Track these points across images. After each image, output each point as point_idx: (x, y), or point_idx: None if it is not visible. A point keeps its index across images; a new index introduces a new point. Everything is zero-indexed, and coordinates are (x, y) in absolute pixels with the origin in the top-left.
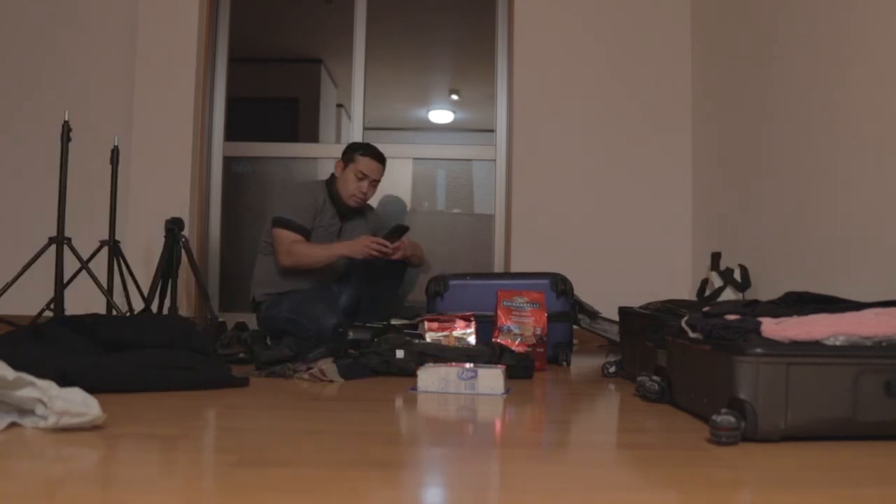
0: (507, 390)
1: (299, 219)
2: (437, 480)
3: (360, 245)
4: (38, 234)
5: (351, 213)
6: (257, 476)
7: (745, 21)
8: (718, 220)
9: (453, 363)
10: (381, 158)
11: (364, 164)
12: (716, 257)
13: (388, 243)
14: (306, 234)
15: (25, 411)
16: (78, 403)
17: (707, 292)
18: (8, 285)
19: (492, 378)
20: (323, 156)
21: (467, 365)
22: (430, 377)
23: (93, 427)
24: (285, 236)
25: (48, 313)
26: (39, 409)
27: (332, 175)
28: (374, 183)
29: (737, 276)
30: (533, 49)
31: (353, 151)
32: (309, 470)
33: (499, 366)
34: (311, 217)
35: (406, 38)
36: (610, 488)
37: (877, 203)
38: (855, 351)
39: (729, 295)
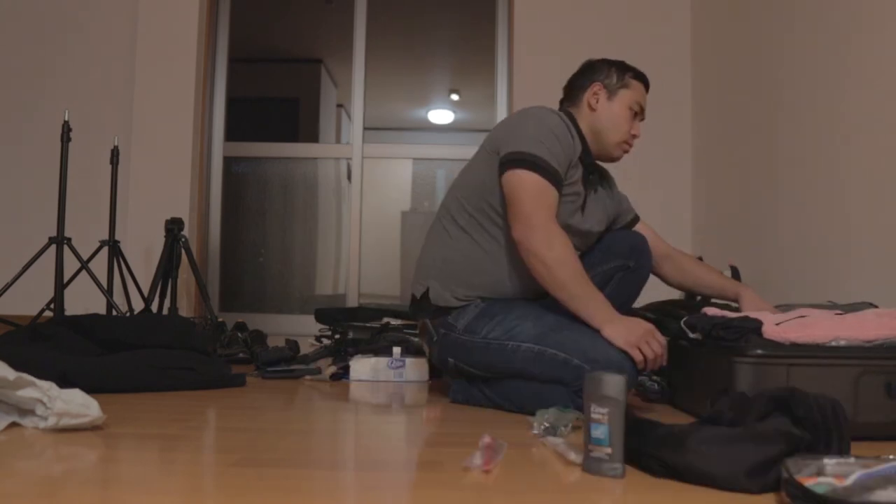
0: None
1: (560, 164)
2: (439, 481)
3: (638, 334)
4: (38, 234)
5: (595, 180)
6: (257, 476)
7: (745, 20)
8: (714, 220)
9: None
10: (648, 83)
11: (640, 91)
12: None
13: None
14: (559, 190)
15: (25, 411)
16: (78, 405)
17: (698, 297)
18: (8, 285)
19: (418, 367)
20: (323, 156)
21: (395, 354)
22: (363, 367)
23: (93, 427)
24: (542, 190)
25: (48, 313)
26: (39, 409)
27: (568, 112)
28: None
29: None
30: (533, 49)
31: (624, 71)
32: (308, 470)
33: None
34: (564, 173)
35: (406, 38)
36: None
37: (875, 203)
38: (855, 352)
39: None
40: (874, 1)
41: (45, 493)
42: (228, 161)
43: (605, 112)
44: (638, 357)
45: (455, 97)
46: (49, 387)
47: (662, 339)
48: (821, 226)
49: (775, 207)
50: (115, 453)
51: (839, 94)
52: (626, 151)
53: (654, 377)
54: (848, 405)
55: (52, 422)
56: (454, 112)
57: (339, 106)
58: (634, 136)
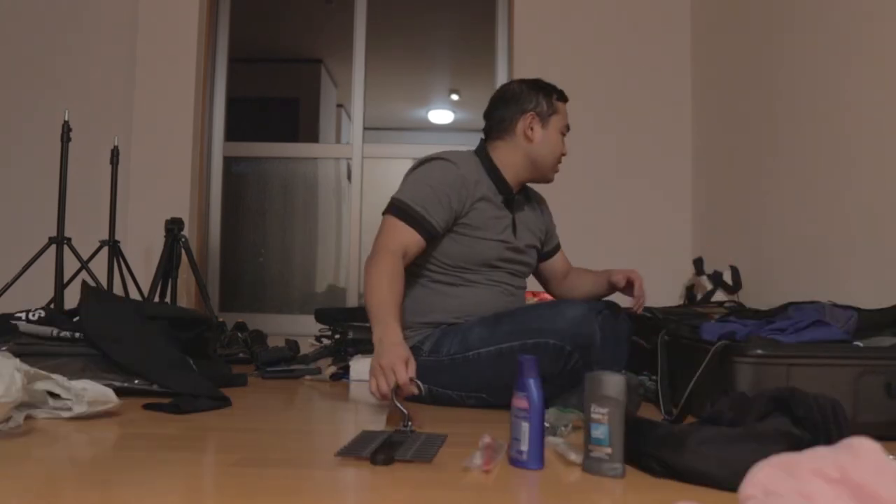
0: None
1: (429, 210)
2: (439, 481)
3: (383, 363)
4: (38, 234)
5: (520, 201)
6: (257, 476)
7: (745, 20)
8: (714, 220)
9: None
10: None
11: (565, 111)
12: (698, 263)
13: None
14: (431, 234)
15: (36, 404)
16: (101, 393)
17: (698, 297)
18: (8, 285)
19: None
20: (323, 156)
21: None
22: (363, 367)
23: (107, 414)
24: (393, 227)
25: None
26: (51, 402)
27: (483, 145)
28: None
29: (727, 277)
30: (533, 49)
31: (548, 95)
32: (308, 470)
33: None
34: (453, 208)
35: (406, 38)
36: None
37: (875, 202)
38: (855, 352)
39: (720, 298)
40: (874, 1)
41: (45, 494)
42: (228, 161)
43: (541, 141)
44: (372, 384)
45: (455, 97)
46: (62, 379)
47: (403, 376)
48: (821, 226)
49: (775, 207)
50: (115, 453)
51: (840, 93)
52: (557, 171)
53: (654, 377)
54: (848, 405)
55: (83, 409)
56: (454, 112)
57: (339, 106)
58: (563, 155)
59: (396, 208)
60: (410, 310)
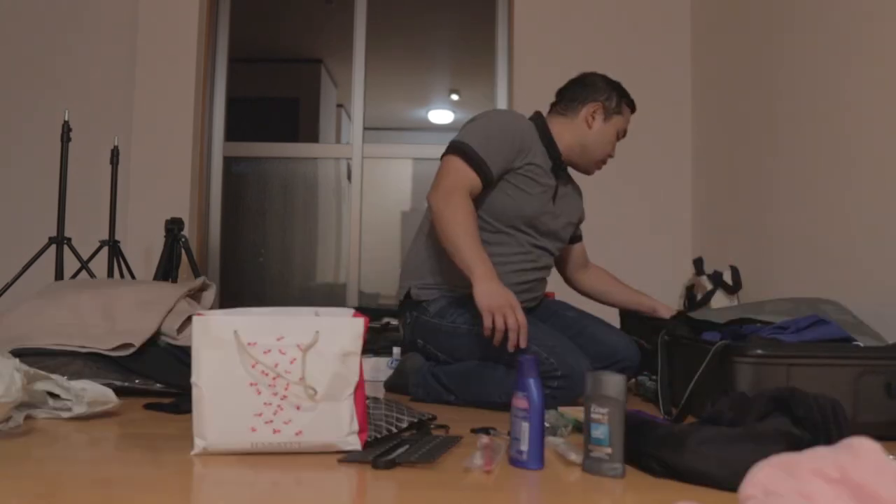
0: None
1: (489, 155)
2: (439, 481)
3: (500, 303)
4: (38, 234)
5: (564, 175)
6: (258, 475)
7: (745, 20)
8: (714, 220)
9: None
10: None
11: (628, 117)
12: (698, 263)
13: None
14: (488, 179)
15: (36, 404)
16: (100, 393)
17: (698, 297)
18: (8, 285)
19: None
20: (323, 156)
21: (395, 354)
22: (363, 367)
23: (107, 414)
24: (459, 169)
25: None
26: (51, 402)
27: (540, 114)
28: None
29: (727, 278)
30: (533, 49)
31: (620, 96)
32: (308, 470)
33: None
34: (508, 159)
35: (406, 38)
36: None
37: (875, 203)
38: (855, 352)
39: (720, 298)
40: (875, 1)
41: (44, 494)
42: (228, 161)
43: (598, 131)
44: (487, 322)
45: (455, 97)
46: (62, 379)
47: (522, 319)
48: (821, 226)
49: (776, 207)
50: (115, 453)
51: (840, 92)
52: (599, 169)
53: (654, 377)
54: (848, 405)
55: (82, 409)
56: (454, 112)
57: (339, 106)
58: (610, 157)
59: (460, 150)
60: (429, 267)
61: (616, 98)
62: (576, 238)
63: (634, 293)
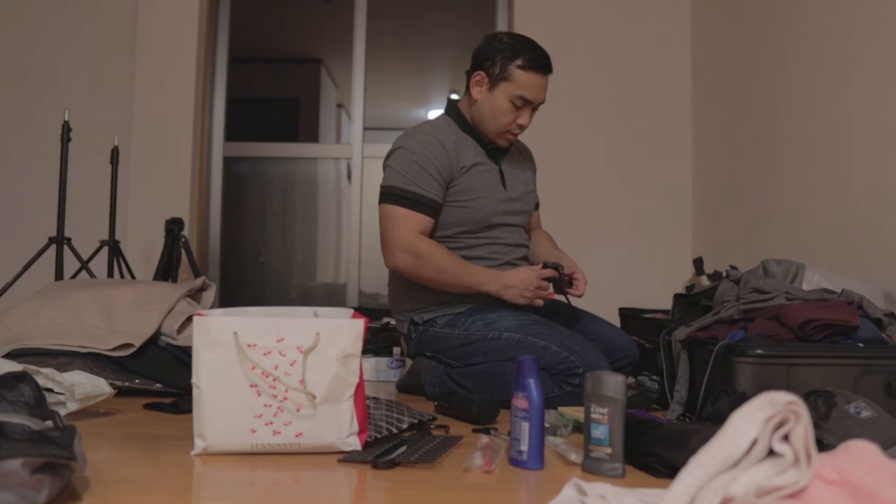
0: None
1: (423, 186)
2: (439, 481)
3: (523, 284)
4: (38, 234)
5: (500, 152)
6: (257, 475)
7: (746, 20)
8: (714, 221)
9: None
10: (550, 68)
11: (525, 82)
12: (698, 263)
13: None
14: (435, 211)
15: None
16: (91, 386)
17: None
18: (8, 285)
19: None
20: (323, 156)
21: (395, 354)
22: (364, 366)
23: (106, 413)
24: (399, 217)
25: None
26: (50, 397)
27: (453, 102)
28: (537, 107)
29: None
30: None
31: (508, 60)
32: (308, 469)
33: None
34: (443, 177)
35: (406, 38)
36: None
37: (875, 204)
38: (855, 352)
39: None
40: (876, 1)
41: None
42: (228, 161)
43: (484, 103)
44: (539, 304)
45: (455, 97)
46: (52, 372)
47: (541, 275)
48: (821, 226)
49: (776, 208)
50: (114, 453)
51: (841, 93)
52: (510, 140)
53: (654, 377)
54: None
55: (75, 406)
56: None
57: (339, 106)
58: (521, 126)
59: (395, 196)
60: (423, 296)
61: (501, 62)
62: (535, 206)
63: (557, 252)
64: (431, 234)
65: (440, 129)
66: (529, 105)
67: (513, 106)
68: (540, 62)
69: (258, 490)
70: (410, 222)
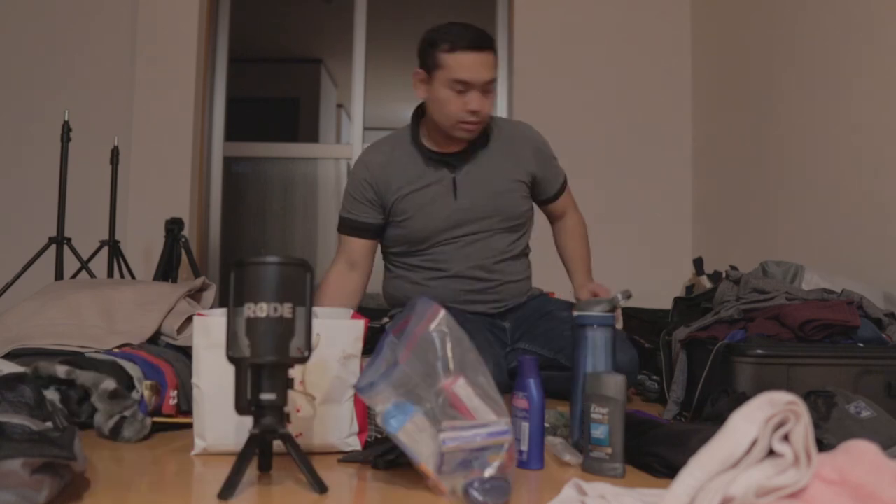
0: None
1: (352, 211)
2: None
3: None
4: (38, 234)
5: (462, 156)
6: (256, 477)
7: (746, 19)
8: (714, 220)
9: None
10: (483, 43)
11: (458, 64)
12: (698, 263)
13: None
14: (367, 233)
15: None
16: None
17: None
18: (8, 285)
19: None
20: (323, 156)
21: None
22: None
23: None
24: (340, 243)
25: None
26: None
27: (416, 109)
28: (488, 88)
29: None
30: (533, 49)
31: (435, 48)
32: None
33: None
34: (369, 199)
35: (406, 38)
36: None
37: (876, 203)
38: (855, 352)
39: None
40: (876, 1)
41: None
42: (228, 161)
43: (430, 100)
44: None
45: None
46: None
47: None
48: (821, 226)
49: (776, 207)
50: (114, 453)
51: (842, 91)
52: (469, 130)
53: (654, 377)
54: None
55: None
56: None
57: (339, 106)
58: (474, 112)
59: (339, 223)
60: (398, 287)
61: (430, 53)
62: (549, 199)
63: (580, 274)
64: (385, 249)
65: (376, 149)
66: (472, 87)
67: (454, 92)
68: (466, 41)
69: (258, 490)
70: (341, 246)
